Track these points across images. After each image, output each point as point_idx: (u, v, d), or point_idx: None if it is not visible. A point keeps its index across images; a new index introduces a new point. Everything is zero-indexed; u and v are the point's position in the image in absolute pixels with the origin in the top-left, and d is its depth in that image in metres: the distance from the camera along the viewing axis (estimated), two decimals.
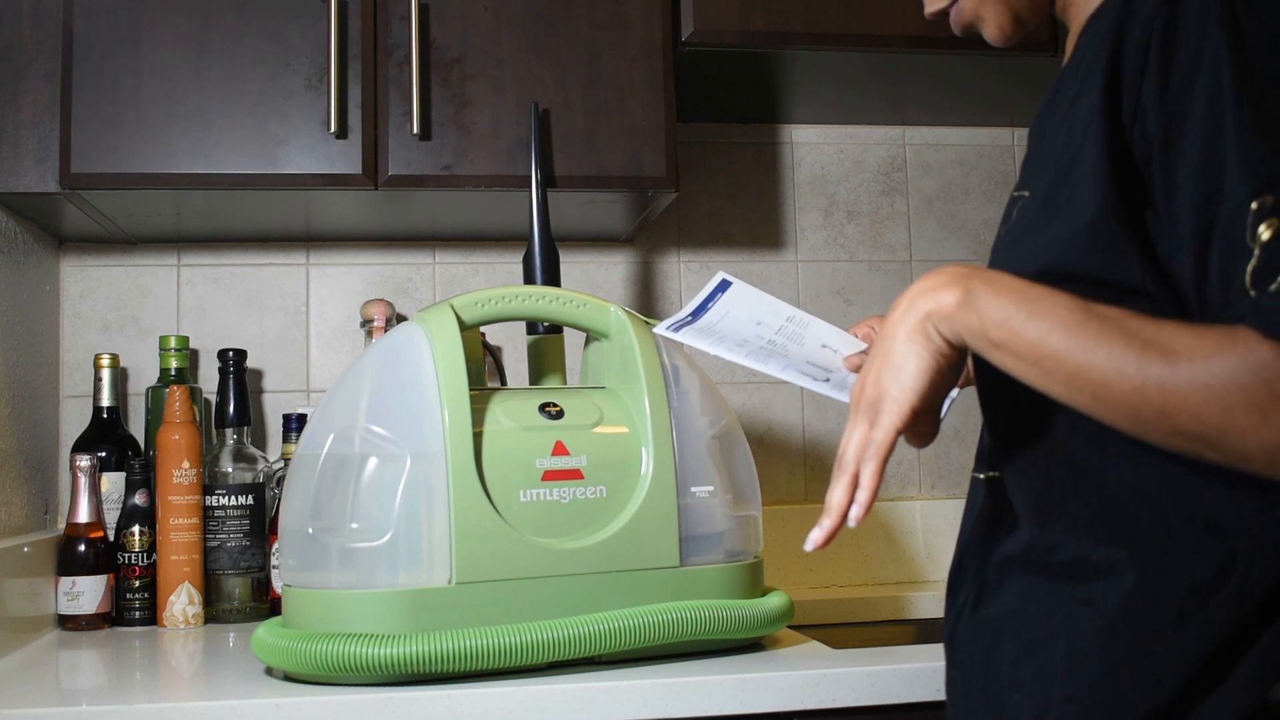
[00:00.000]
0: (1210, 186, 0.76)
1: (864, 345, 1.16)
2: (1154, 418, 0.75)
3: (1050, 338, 0.77)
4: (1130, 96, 0.81)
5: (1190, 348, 0.74)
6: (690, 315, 1.17)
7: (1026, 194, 0.92)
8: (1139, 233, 0.82)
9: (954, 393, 1.14)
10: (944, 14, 1.03)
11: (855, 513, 0.85)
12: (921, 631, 1.80)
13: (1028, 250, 0.87)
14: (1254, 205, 0.73)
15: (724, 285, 1.20)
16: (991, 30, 1.01)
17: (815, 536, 0.86)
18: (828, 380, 1.09)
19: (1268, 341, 0.73)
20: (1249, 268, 0.74)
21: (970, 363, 1.16)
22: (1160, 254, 0.82)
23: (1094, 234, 0.82)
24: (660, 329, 1.16)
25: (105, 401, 1.68)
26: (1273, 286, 0.72)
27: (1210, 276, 0.77)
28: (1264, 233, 0.73)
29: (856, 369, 1.10)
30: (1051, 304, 0.78)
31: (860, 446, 0.85)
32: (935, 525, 1.96)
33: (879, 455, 0.84)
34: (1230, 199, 0.75)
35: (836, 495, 0.86)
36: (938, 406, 0.89)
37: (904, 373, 0.83)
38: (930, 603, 1.80)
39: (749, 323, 1.16)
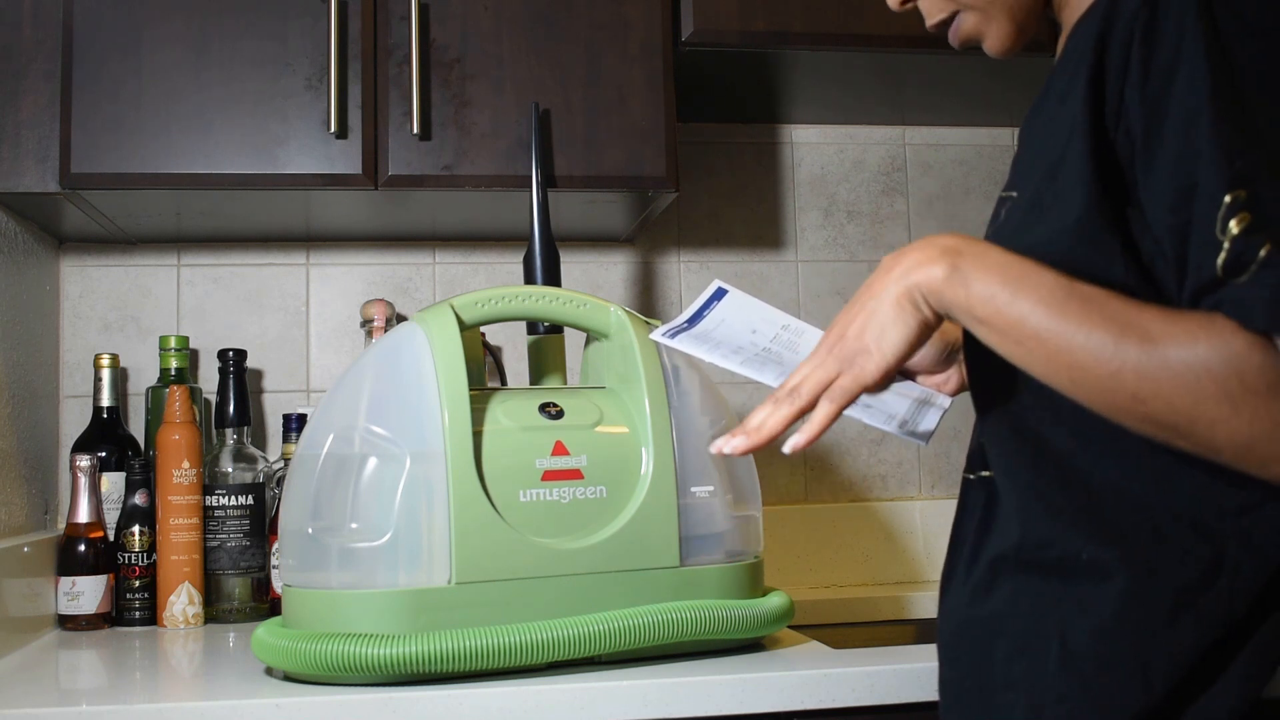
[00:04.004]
0: (1186, 181, 0.77)
1: None
2: (1127, 403, 0.77)
3: (1031, 318, 0.79)
4: (1113, 95, 0.82)
5: (1166, 333, 0.75)
6: (686, 322, 1.17)
7: (1014, 195, 0.92)
8: (1123, 231, 0.83)
9: (947, 401, 1.14)
10: (945, 25, 1.03)
11: (798, 440, 0.89)
12: (921, 631, 1.80)
13: (1014, 250, 0.87)
14: (1227, 199, 0.74)
15: (720, 293, 1.20)
16: (993, 42, 1.01)
17: (734, 444, 0.91)
18: None
19: (1243, 332, 0.74)
20: (1219, 260, 0.74)
21: (964, 367, 1.16)
22: (1144, 253, 0.82)
23: (1078, 233, 0.83)
24: (656, 335, 1.16)
25: (105, 401, 1.68)
26: (1244, 278, 0.73)
27: (1187, 269, 0.77)
28: (1234, 227, 0.74)
29: None
30: (1036, 283, 0.80)
31: (823, 385, 0.88)
32: (935, 525, 1.96)
33: (842, 399, 0.88)
34: (1204, 192, 0.76)
35: (773, 421, 0.90)
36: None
37: (888, 337, 0.86)
38: (930, 603, 1.80)
39: (744, 331, 1.16)
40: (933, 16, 1.03)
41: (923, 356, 1.15)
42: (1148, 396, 0.76)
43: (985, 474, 0.95)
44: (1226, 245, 0.74)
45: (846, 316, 0.89)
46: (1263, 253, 0.73)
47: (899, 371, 1.17)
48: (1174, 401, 0.75)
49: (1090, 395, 0.79)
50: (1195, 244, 0.76)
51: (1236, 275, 0.73)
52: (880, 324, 0.86)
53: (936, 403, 1.14)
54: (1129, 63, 0.81)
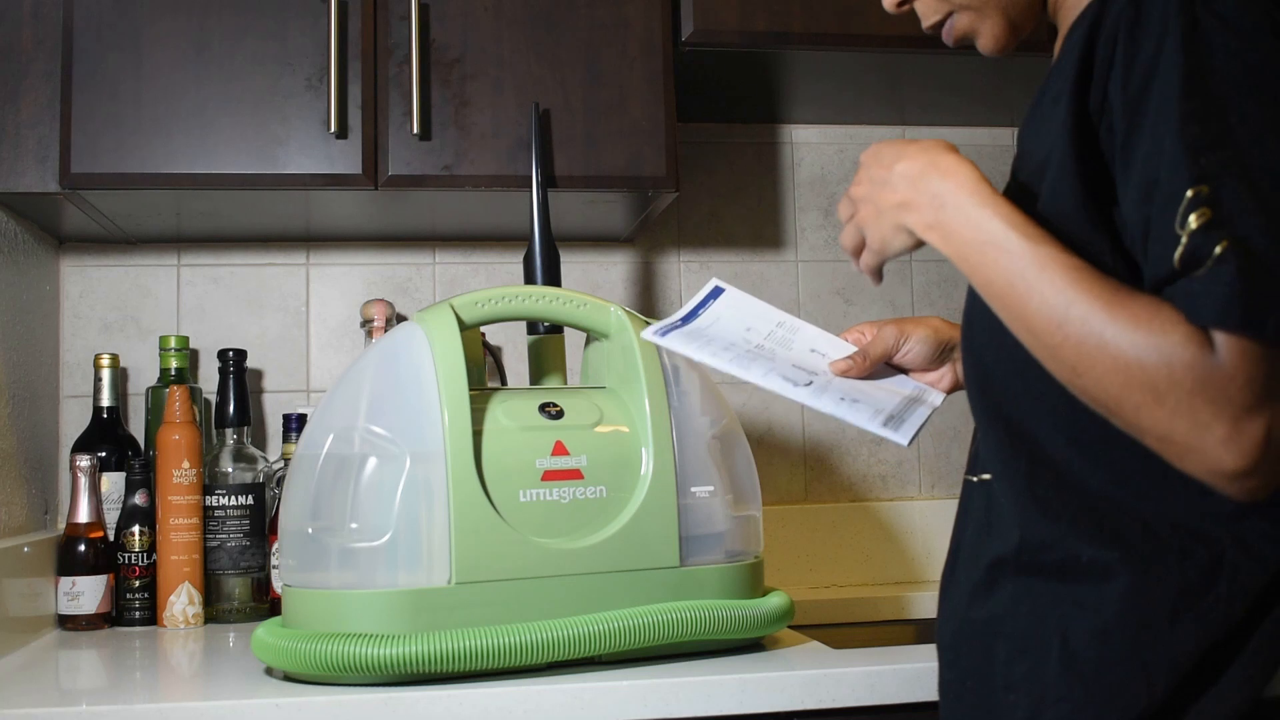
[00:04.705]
0: (1152, 175, 0.78)
1: (853, 348, 1.17)
2: (1068, 375, 0.81)
3: (995, 284, 0.84)
4: (1098, 94, 0.83)
5: (1111, 314, 0.77)
6: (680, 320, 1.17)
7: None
8: (1110, 228, 0.83)
9: (939, 398, 1.15)
10: (940, 26, 1.04)
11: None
12: (921, 631, 1.80)
13: None
14: (1189, 194, 0.76)
15: (717, 291, 1.21)
16: (987, 41, 1.02)
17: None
18: (809, 385, 1.10)
19: (1184, 325, 0.75)
20: (1176, 255, 0.75)
21: (958, 367, 1.17)
22: (1127, 249, 0.83)
23: (1064, 231, 0.83)
24: (648, 334, 1.16)
25: (105, 401, 1.68)
26: (1199, 272, 0.74)
27: (1149, 263, 0.78)
28: (1194, 222, 0.75)
29: (842, 373, 1.14)
30: (997, 254, 0.84)
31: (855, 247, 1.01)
32: (935, 525, 1.96)
33: (875, 264, 0.99)
34: (1166, 188, 0.77)
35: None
36: None
37: (890, 247, 0.96)
38: (930, 603, 1.80)
39: (739, 328, 1.16)
40: (928, 18, 1.03)
41: (917, 355, 1.16)
42: (1084, 371, 0.79)
43: (985, 476, 0.96)
44: (1184, 240, 0.75)
45: (865, 193, 0.98)
46: (1219, 249, 0.73)
47: (893, 366, 1.18)
48: (1103, 381, 0.78)
49: (1043, 358, 0.82)
50: (1155, 238, 0.77)
51: (1193, 270, 0.75)
52: (882, 234, 0.95)
53: (928, 400, 1.14)
54: (1113, 61, 0.82)
